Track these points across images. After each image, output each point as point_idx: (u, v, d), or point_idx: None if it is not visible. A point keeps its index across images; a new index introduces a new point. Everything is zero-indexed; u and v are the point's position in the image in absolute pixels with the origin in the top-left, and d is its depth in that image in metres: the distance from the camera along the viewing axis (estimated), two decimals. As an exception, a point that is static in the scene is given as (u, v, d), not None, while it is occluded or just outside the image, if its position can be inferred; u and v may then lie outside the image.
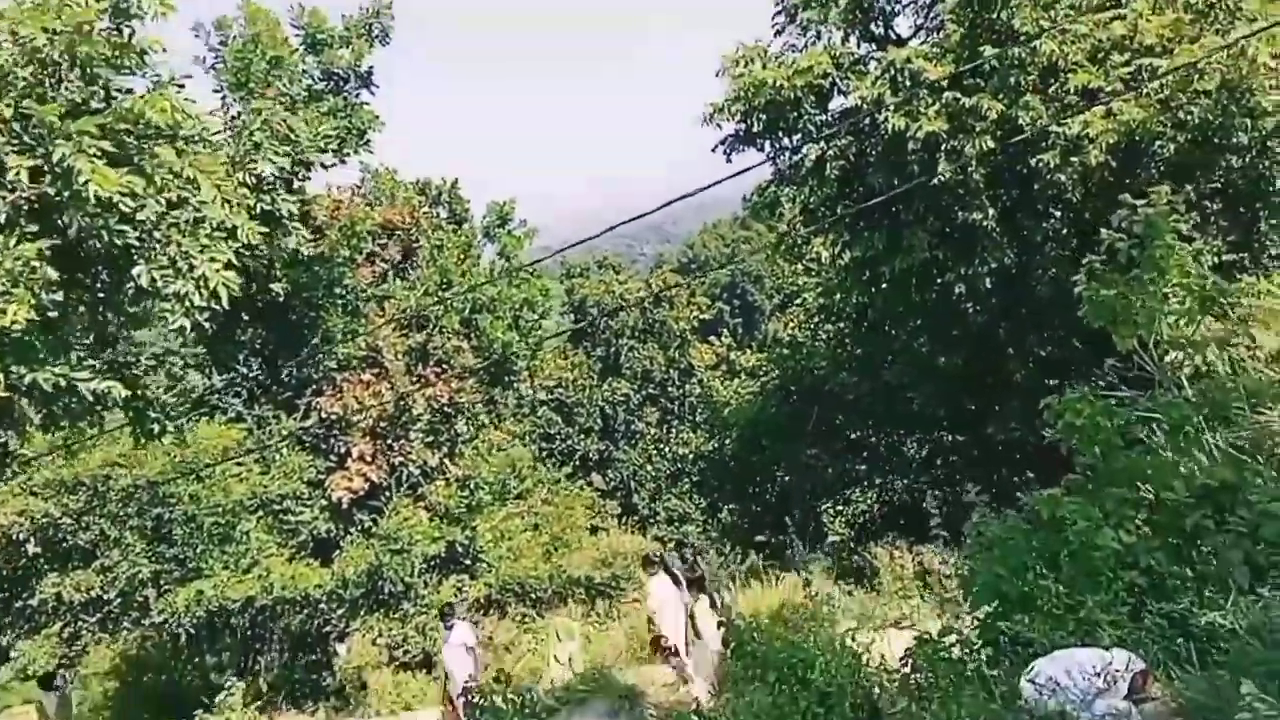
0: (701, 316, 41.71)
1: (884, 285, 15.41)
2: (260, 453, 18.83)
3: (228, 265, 7.70)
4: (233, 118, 11.05)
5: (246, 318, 20.02)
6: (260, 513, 18.96)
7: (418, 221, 23.70)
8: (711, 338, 44.33)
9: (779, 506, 21.11)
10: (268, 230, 8.59)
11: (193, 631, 19.17)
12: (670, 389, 41.14)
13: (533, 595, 22.07)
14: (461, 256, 22.79)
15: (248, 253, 8.46)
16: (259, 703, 19.61)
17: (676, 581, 12.41)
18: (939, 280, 15.15)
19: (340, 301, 20.67)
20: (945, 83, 13.30)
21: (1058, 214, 14.53)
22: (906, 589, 14.71)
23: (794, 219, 16.68)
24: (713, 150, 15.88)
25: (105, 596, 18.59)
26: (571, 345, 43.39)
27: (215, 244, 7.79)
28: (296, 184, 17.53)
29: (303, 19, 18.48)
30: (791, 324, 24.47)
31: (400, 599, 18.86)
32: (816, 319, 20.78)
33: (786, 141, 15.54)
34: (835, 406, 19.23)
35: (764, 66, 14.74)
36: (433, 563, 19.61)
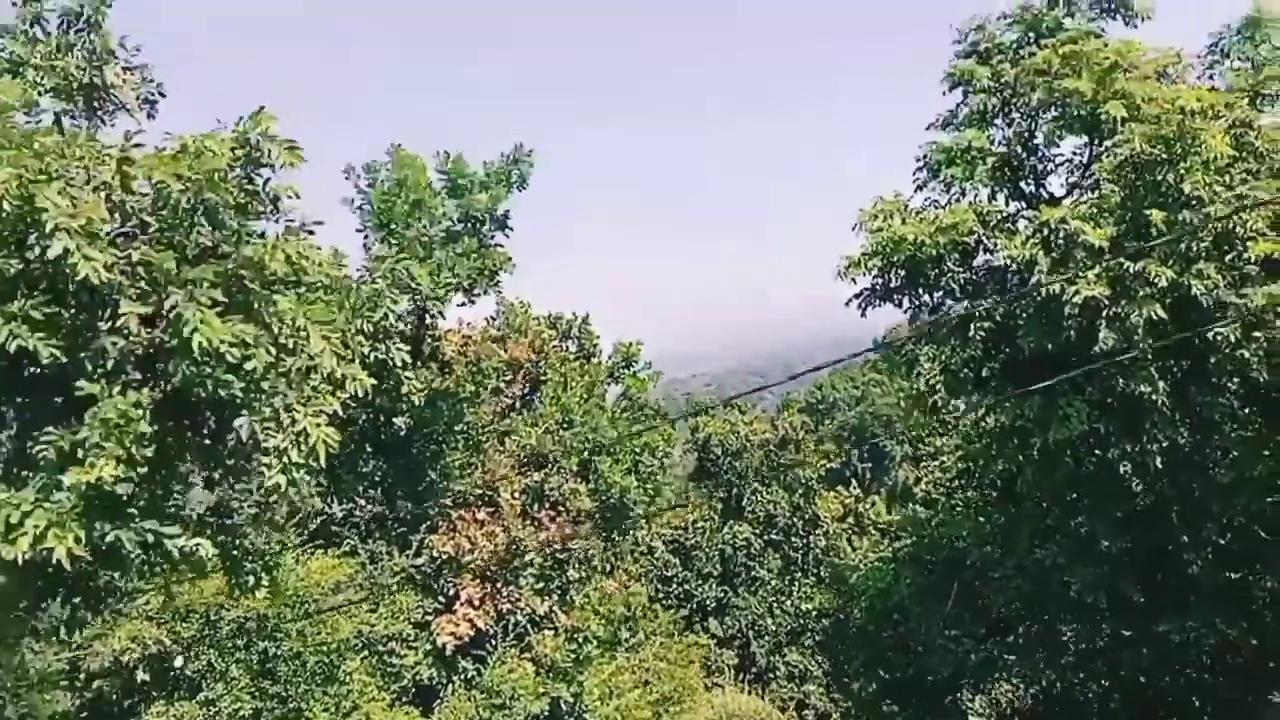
0: (829, 465, 40.00)
1: (1035, 455, 13.98)
2: (371, 591, 18.43)
3: (331, 420, 7.31)
4: (364, 263, 11.21)
5: (370, 449, 20.18)
6: (365, 653, 18.41)
7: (546, 355, 23.73)
8: (840, 487, 42.30)
9: (913, 687, 19.07)
10: (377, 382, 8.25)
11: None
12: (794, 538, 39.29)
13: (639, 762, 20.55)
14: (585, 395, 22.50)
15: (355, 404, 8.11)
16: None
17: None
18: (1098, 455, 13.66)
19: (461, 437, 20.59)
20: (1105, 246, 12.25)
21: (1238, 391, 12.99)
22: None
23: (933, 378, 15.56)
24: (846, 304, 15.13)
25: (206, 731, 18.22)
26: (694, 485, 42.38)
27: (322, 396, 7.44)
28: (429, 319, 17.78)
29: (447, 164, 19.14)
30: (927, 482, 22.78)
31: (499, 760, 17.73)
32: (956, 483, 19.18)
33: (927, 298, 14.63)
34: (977, 583, 17.42)
35: (904, 222, 14.05)
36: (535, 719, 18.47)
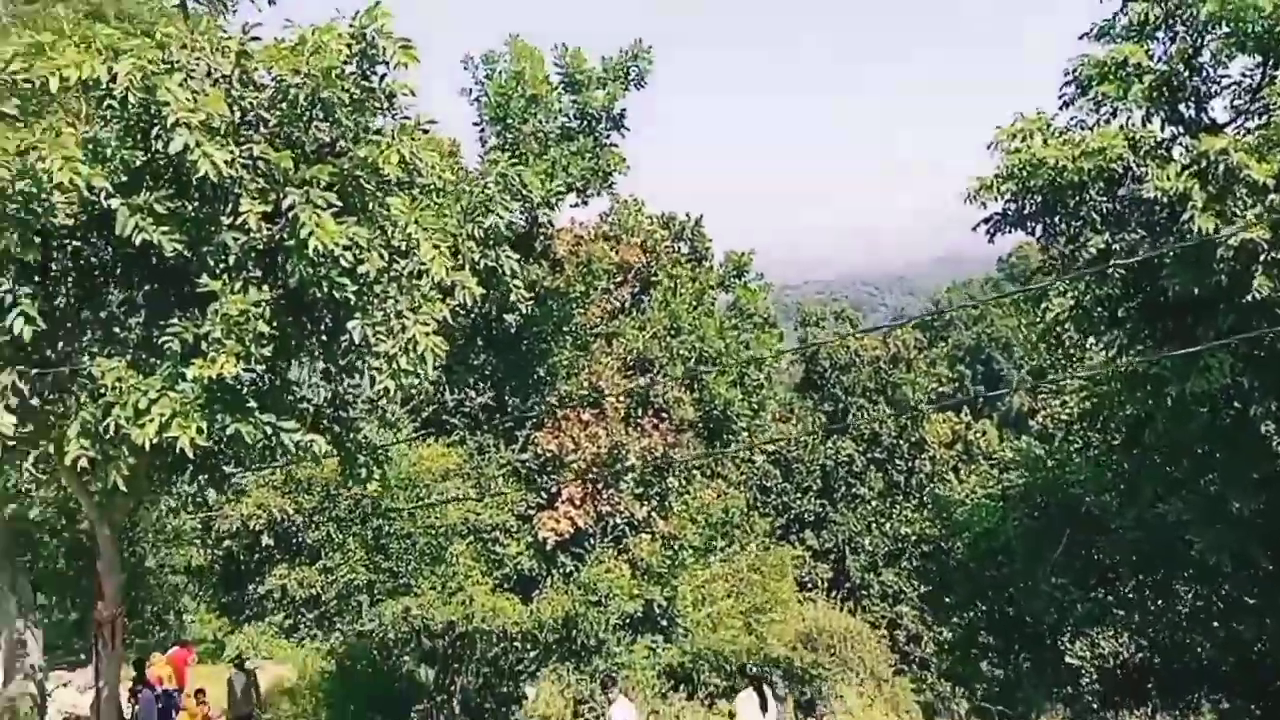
0: (940, 389, 38.81)
1: (1168, 404, 13.03)
2: (477, 481, 19.06)
3: (440, 327, 7.35)
4: (478, 161, 11.12)
5: (481, 343, 20.57)
6: (470, 539, 19.16)
7: (657, 256, 23.49)
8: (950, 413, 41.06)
9: (1010, 632, 18.67)
10: (486, 290, 8.26)
11: (398, 641, 19.62)
12: (899, 459, 38.66)
13: (727, 669, 20.95)
14: (694, 302, 22.26)
15: (463, 312, 8.14)
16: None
17: (763, 702, 12.21)
18: (1237, 410, 12.67)
19: (569, 337, 20.75)
20: (1271, 183, 11.04)
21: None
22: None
23: (1064, 312, 14.58)
24: (974, 229, 14.23)
25: (324, 596, 19.48)
26: (798, 396, 41.99)
27: (431, 303, 7.48)
28: (540, 219, 17.72)
29: (565, 59, 18.72)
30: (1045, 416, 21.78)
31: (592, 653, 18.38)
32: (1077, 424, 18.22)
33: (1063, 227, 13.59)
34: (1092, 532, 16.69)
35: (1045, 143, 12.93)
36: (628, 620, 18.98)
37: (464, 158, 18.66)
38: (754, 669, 13.62)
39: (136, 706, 16.92)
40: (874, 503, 38.41)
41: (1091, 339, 15.65)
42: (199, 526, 22.31)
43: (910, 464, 38.43)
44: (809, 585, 36.51)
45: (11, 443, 7.04)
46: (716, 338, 20.78)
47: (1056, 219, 13.60)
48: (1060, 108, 13.90)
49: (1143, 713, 14.22)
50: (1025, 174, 12.85)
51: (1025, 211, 13.61)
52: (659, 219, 25.82)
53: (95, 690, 9.63)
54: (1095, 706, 16.86)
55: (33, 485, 15.18)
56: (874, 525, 38.19)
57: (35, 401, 7.32)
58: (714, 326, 21.30)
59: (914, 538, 36.24)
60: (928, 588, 25.72)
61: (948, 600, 21.97)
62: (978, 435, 38.63)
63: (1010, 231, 14.15)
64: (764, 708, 12.09)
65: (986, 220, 14.18)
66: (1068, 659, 17.30)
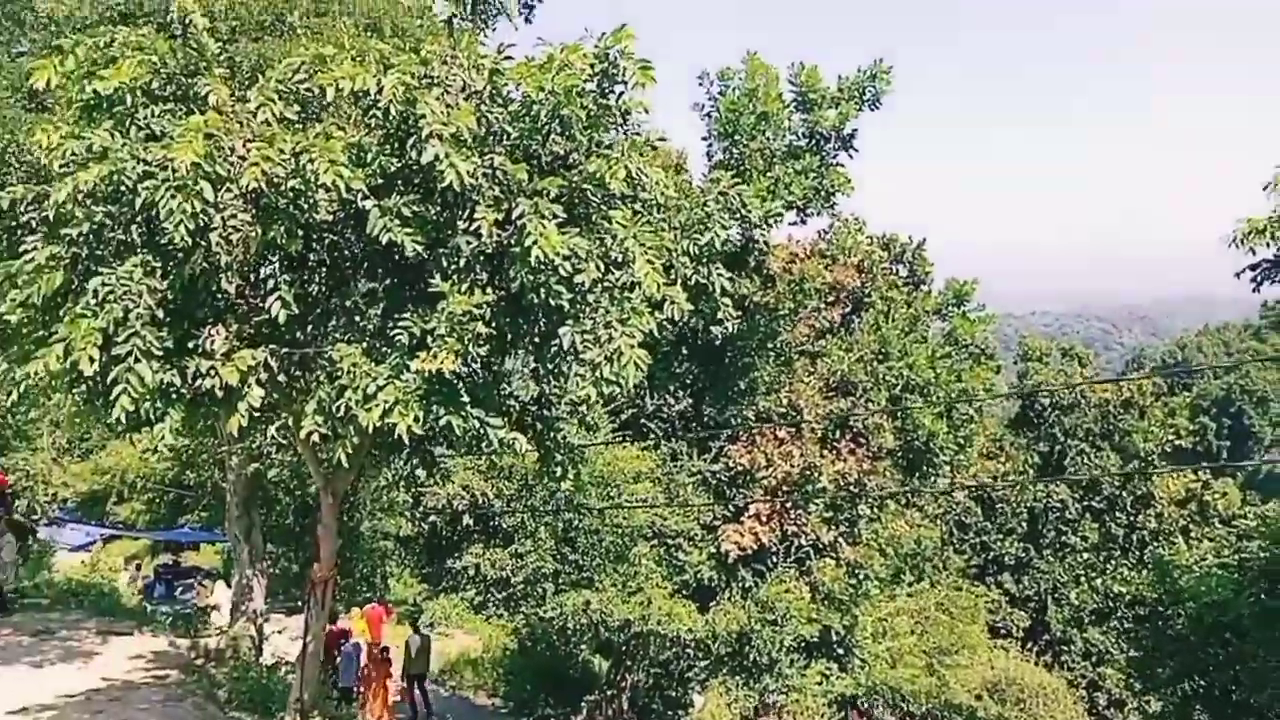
0: (1177, 441, 35.39)
1: None
2: (667, 486, 19.32)
3: (644, 343, 7.51)
4: (702, 177, 11.22)
5: (685, 351, 20.82)
6: (655, 543, 19.46)
7: (873, 277, 22.85)
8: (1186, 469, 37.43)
9: (1230, 715, 16.76)
10: (694, 306, 8.34)
11: (576, 630, 20.24)
12: (1119, 512, 35.62)
13: (902, 708, 20.14)
14: (907, 329, 21.46)
15: (670, 326, 8.27)
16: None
17: None
18: None
19: (773, 353, 20.60)
20: None
21: None
22: None
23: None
24: (1237, 275, 12.89)
25: (512, 579, 20.43)
26: (1011, 432, 39.61)
27: (639, 316, 7.64)
28: (758, 235, 17.70)
29: (799, 77, 18.59)
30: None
31: (764, 671, 18.19)
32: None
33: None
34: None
35: (1330, 186, 11.53)
36: (803, 643, 18.62)
37: (689, 171, 19.02)
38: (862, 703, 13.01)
39: (339, 658, 18.45)
40: (1085, 555, 35.65)
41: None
42: (409, 501, 23.98)
43: (1132, 518, 35.34)
44: (1002, 632, 34.45)
45: (258, 413, 7.82)
46: (926, 366, 19.92)
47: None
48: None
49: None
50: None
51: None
52: (879, 239, 25.09)
53: (303, 642, 10.55)
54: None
55: (273, 449, 16.93)
56: (1083, 578, 35.44)
57: (282, 378, 8.09)
58: (925, 354, 20.43)
59: (1128, 598, 33.29)
60: (1138, 653, 23.54)
61: (1160, 670, 20.07)
62: (1216, 496, 34.90)
63: (1277, 281, 12.74)
64: None
65: (1254, 267, 12.82)
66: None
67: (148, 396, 7.21)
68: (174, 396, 7.57)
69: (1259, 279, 12.88)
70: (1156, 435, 35.55)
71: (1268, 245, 12.22)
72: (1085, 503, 36.42)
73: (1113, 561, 34.70)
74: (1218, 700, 17.98)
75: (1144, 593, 30.92)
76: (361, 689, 18.11)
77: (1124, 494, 35.20)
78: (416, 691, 19.77)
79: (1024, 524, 36.74)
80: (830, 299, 21.75)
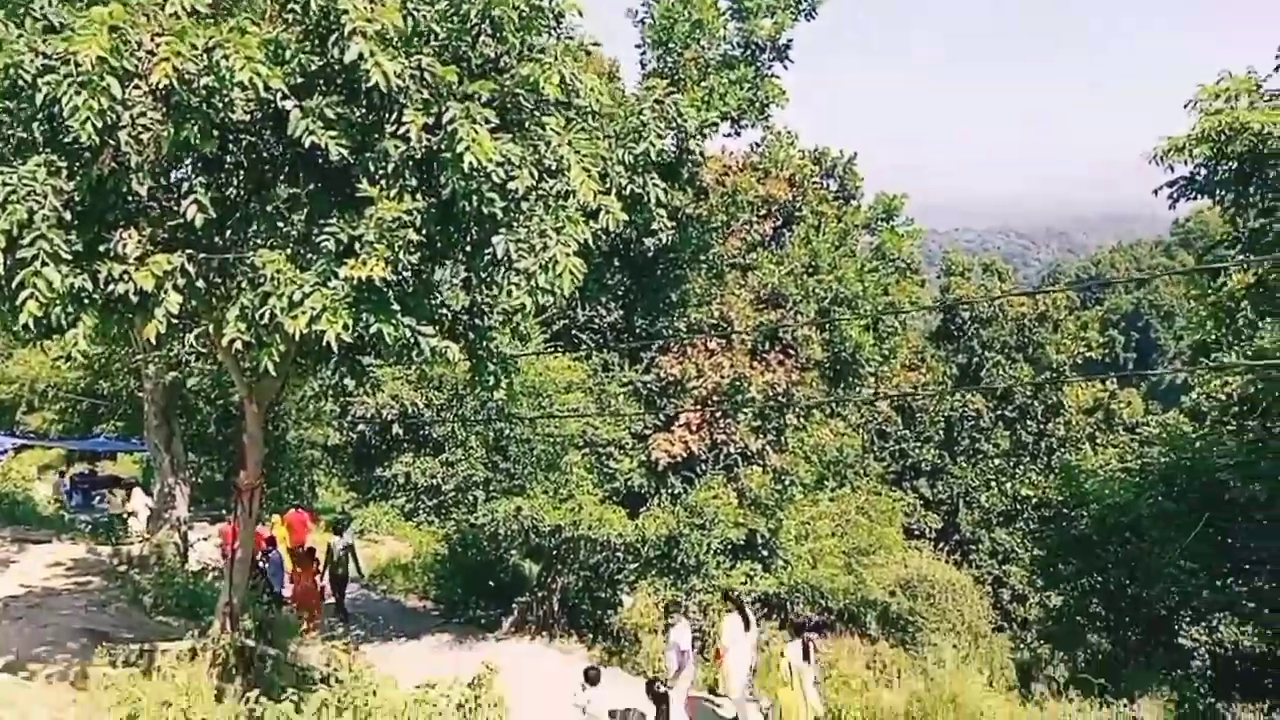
0: (1087, 353, 36.89)
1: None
2: (598, 397, 19.43)
3: (579, 251, 7.43)
4: (636, 85, 10.98)
5: (617, 263, 20.72)
6: (586, 451, 19.66)
7: (804, 192, 22.92)
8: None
9: (1123, 607, 18.01)
10: (629, 216, 8.25)
11: (507, 536, 20.51)
12: (1030, 420, 37.24)
13: (821, 604, 21.08)
14: (836, 242, 21.68)
15: (606, 236, 8.19)
16: (546, 621, 20.81)
17: (746, 623, 13.99)
18: None
19: (705, 265, 20.64)
20: None
21: None
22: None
23: (1240, 290, 13.49)
24: (1155, 193, 13.24)
25: (443, 486, 20.45)
26: (931, 344, 40.79)
27: (574, 225, 7.54)
28: (692, 146, 17.49)
29: (734, -17, 18.14)
30: (1199, 394, 20.47)
31: (691, 572, 18.76)
32: (1236, 408, 17.05)
33: (1258, 199, 12.49)
34: (1232, 518, 15.74)
35: (1252, 106, 11.81)
36: (730, 546, 19.23)
37: (623, 80, 18.52)
38: (735, 593, 14.95)
39: (266, 564, 18.50)
40: (997, 460, 37.36)
41: (1269, 319, 14.51)
42: (337, 410, 23.69)
43: (1042, 426, 37.02)
44: (917, 534, 36.12)
45: (176, 320, 7.57)
46: (855, 280, 20.22)
47: (1251, 189, 12.51)
48: (1277, 69, 12.63)
49: (1257, 707, 13.54)
50: (1224, 138, 11.82)
51: (1217, 178, 12.58)
52: (810, 154, 25.10)
53: (229, 548, 10.49)
54: (1204, 692, 16.21)
55: (192, 357, 16.47)
56: (994, 483, 37.22)
57: (201, 284, 7.81)
58: (854, 268, 20.72)
59: (1035, 501, 35.10)
60: (1041, 552, 25.02)
61: (1062, 567, 21.38)
62: (1121, 405, 36.72)
63: (1196, 198, 13.14)
64: (746, 627, 13.58)
65: (1171, 184, 13.18)
66: (1181, 640, 16.65)
67: (57, 301, 6.92)
68: (86, 301, 7.26)
69: (1175, 196, 13.25)
70: (1068, 348, 36.99)
71: (1186, 163, 12.57)
72: (999, 412, 37.97)
73: (1021, 467, 36.41)
74: (1113, 594, 19.26)
75: (1050, 496, 32.64)
76: (293, 591, 18.30)
77: (1035, 403, 36.74)
78: (337, 592, 20.23)
79: (940, 432, 38.20)
80: (762, 212, 21.80)
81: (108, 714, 8.31)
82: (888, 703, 15.26)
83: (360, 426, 20.82)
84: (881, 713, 15.09)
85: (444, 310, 8.98)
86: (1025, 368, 37.93)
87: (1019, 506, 35.94)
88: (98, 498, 30.55)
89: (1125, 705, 13.19)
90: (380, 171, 7.35)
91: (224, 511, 22.54)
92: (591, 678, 12.88)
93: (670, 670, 14.36)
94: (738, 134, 18.17)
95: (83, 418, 36.41)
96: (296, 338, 7.17)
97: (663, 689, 12.45)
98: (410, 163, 7.40)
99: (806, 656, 12.90)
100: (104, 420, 35.19)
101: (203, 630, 10.30)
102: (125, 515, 20.08)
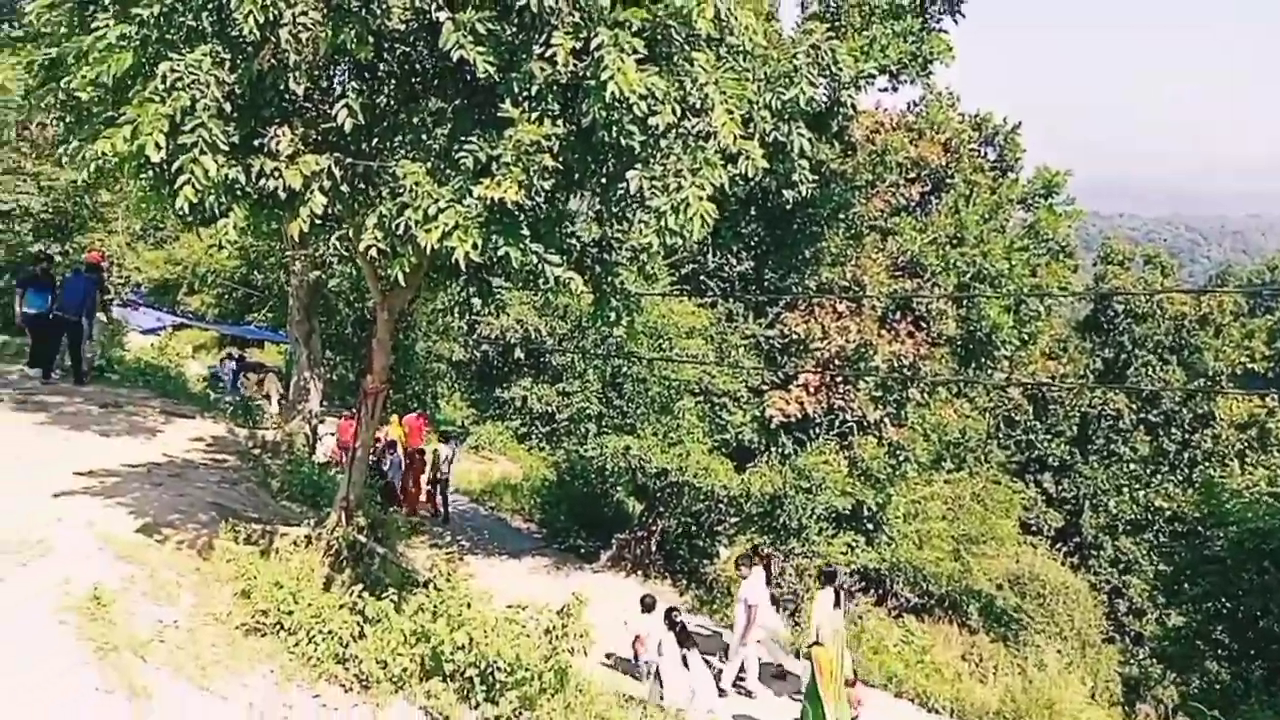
0: (1249, 364, 34.23)
1: None
2: (719, 346, 19.28)
3: (713, 196, 7.24)
4: (794, 26, 10.52)
5: (753, 212, 20.33)
6: (700, 399, 19.62)
7: (960, 159, 21.80)
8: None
9: (1252, 639, 16.83)
10: (770, 165, 7.97)
11: (614, 472, 20.80)
12: (1175, 428, 34.98)
13: (922, 587, 20.57)
14: (986, 215, 20.60)
15: (742, 181, 7.95)
16: (642, 561, 21.11)
17: (838, 601, 12.62)
18: None
19: (844, 224, 20.02)
20: None
21: None
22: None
23: None
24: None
25: (557, 415, 20.91)
26: (1077, 334, 38.70)
27: (711, 168, 7.34)
28: (845, 98, 16.83)
29: (913, -74, 17.19)
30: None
31: (791, 534, 18.57)
32: None
33: None
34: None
35: None
36: (834, 514, 18.92)
37: (781, 21, 17.91)
38: (830, 568, 13.96)
39: (388, 465, 19.40)
40: (1133, 466, 35.34)
41: None
42: (464, 327, 24.41)
43: (1188, 436, 34.73)
44: (1034, 530, 34.76)
45: (319, 220, 7.81)
46: (1001, 257, 19.19)
47: None
48: None
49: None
50: None
51: None
52: (971, 119, 23.77)
53: (352, 446, 10.95)
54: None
55: (335, 259, 17.17)
56: (1126, 488, 35.29)
57: (345, 189, 8.01)
58: (1002, 245, 19.64)
59: (1168, 513, 33.13)
60: (1168, 567, 23.62)
61: (1190, 587, 20.17)
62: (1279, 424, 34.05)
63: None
64: (838, 604, 12.61)
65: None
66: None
67: (212, 190, 7.22)
68: (238, 193, 7.58)
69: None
70: (1229, 355, 34.42)
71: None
72: (1141, 415, 35.82)
73: (1159, 476, 34.36)
74: (1242, 622, 18.06)
75: (1186, 510, 30.73)
76: (401, 486, 19.21)
77: (1184, 410, 34.48)
78: (439, 496, 21.19)
79: (1074, 427, 36.38)
80: (911, 175, 20.86)
81: (225, 585, 8.88)
82: (980, 697, 14.86)
83: (484, 346, 21.41)
84: (972, 706, 14.70)
85: (573, 240, 8.96)
86: (1178, 372, 35.55)
87: (1150, 517, 34.01)
88: (243, 382, 32.59)
89: (1237, 740, 12.37)
90: (524, 93, 7.30)
91: (352, 411, 23.68)
92: (648, 605, 13.26)
93: (738, 626, 14.17)
94: (895, 89, 17.40)
95: (237, 304, 38.84)
96: (428, 252, 7.29)
97: (679, 618, 12.77)
98: (555, 87, 7.33)
99: (837, 605, 12.49)
100: (255, 309, 37.42)
101: (320, 520, 10.84)
102: (260, 399, 21.37)
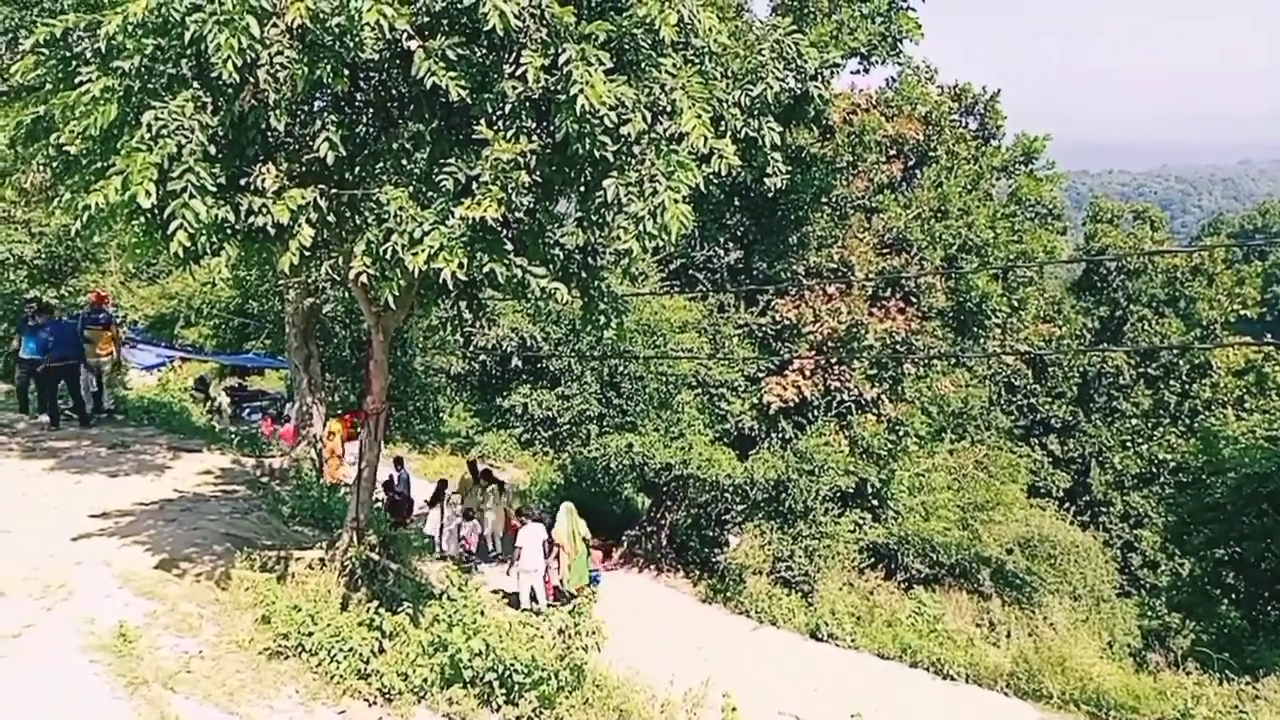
0: (1243, 311, 34.42)
1: None
2: (713, 338, 19.48)
3: (688, 197, 7.43)
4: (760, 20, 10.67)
5: (737, 203, 20.52)
6: (698, 391, 19.83)
7: (941, 131, 21.90)
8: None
9: (1259, 581, 17.06)
10: (744, 161, 8.17)
11: (619, 470, 21.02)
12: (1174, 379, 35.16)
13: (932, 558, 20.78)
14: (969, 186, 20.78)
15: (717, 179, 8.15)
16: (654, 555, 21.32)
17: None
18: None
19: (827, 207, 20.21)
20: None
21: None
22: None
23: None
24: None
25: (558, 419, 21.08)
26: (1071, 295, 38.86)
27: (685, 170, 7.53)
28: (815, 87, 16.97)
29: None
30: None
31: (798, 518, 18.80)
32: None
33: None
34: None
35: None
36: (839, 493, 19.15)
37: (753, 12, 18.02)
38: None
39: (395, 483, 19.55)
40: (1135, 420, 35.54)
41: None
42: (460, 340, 24.58)
43: (1187, 386, 34.91)
44: (1041, 492, 34.97)
45: (309, 251, 8.01)
46: (985, 226, 19.38)
47: None
48: None
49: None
50: None
51: None
52: (949, 90, 23.87)
53: (358, 467, 11.17)
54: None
55: (328, 285, 17.36)
56: (1130, 443, 35.50)
57: (331, 218, 8.21)
58: (986, 214, 19.82)
59: (1172, 464, 33.33)
60: (1175, 519, 23.83)
61: (1195, 536, 20.40)
62: (1276, 369, 34.25)
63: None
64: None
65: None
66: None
67: (203, 231, 7.40)
68: (229, 232, 7.77)
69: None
70: (1222, 304, 34.61)
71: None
72: (1140, 369, 36.02)
73: (1161, 428, 34.58)
74: (1249, 567, 18.30)
75: (1189, 460, 30.94)
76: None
77: (1181, 362, 34.69)
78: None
79: (1074, 388, 36.57)
80: (891, 153, 21.03)
81: (245, 613, 9.10)
82: (993, 661, 15.06)
83: (482, 357, 21.56)
84: (986, 670, 14.92)
85: (557, 250, 9.16)
86: (1175, 323, 35.73)
87: (1155, 470, 34.25)
88: (247, 410, 32.77)
89: (1247, 682, 12.58)
90: (498, 112, 7.51)
91: (340, 412, 23.79)
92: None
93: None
94: (866, 71, 17.53)
95: (234, 334, 39.02)
96: (416, 274, 7.49)
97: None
98: (527, 104, 7.52)
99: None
100: (253, 337, 37.61)
101: (332, 542, 11.04)
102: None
